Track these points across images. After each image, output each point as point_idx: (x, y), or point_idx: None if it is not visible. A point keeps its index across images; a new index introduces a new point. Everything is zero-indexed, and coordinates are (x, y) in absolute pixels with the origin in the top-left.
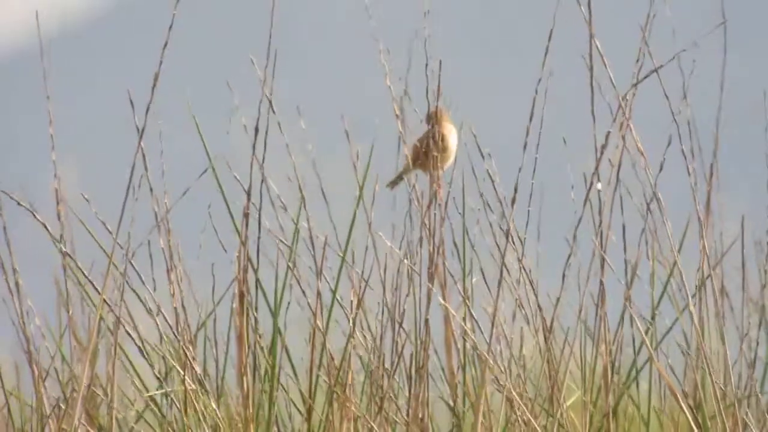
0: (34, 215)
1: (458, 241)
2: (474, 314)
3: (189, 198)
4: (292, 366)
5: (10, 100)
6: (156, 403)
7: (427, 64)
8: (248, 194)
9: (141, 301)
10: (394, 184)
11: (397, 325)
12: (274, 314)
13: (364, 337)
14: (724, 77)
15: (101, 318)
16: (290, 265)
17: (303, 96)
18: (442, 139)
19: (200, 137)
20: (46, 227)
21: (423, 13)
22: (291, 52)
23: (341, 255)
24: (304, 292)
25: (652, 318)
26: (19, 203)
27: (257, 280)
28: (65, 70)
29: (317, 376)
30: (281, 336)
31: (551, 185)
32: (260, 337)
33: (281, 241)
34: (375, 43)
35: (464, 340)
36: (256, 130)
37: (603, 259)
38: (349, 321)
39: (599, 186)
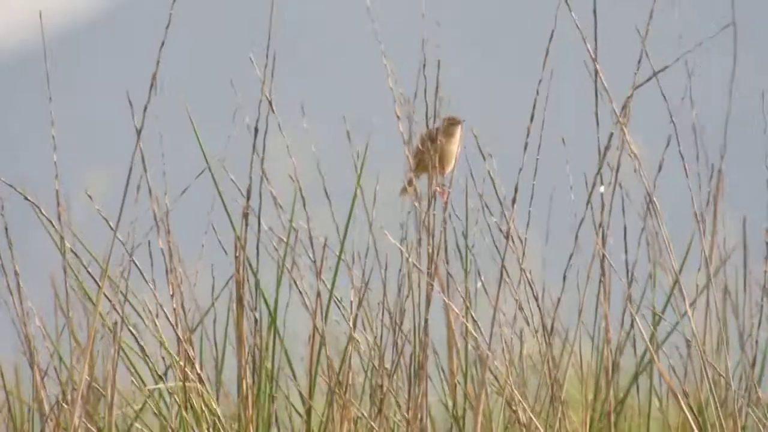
0: (40, 210)
1: (460, 241)
2: (474, 315)
3: (189, 199)
4: (291, 367)
5: (11, 101)
6: (155, 403)
7: (425, 65)
8: (247, 194)
9: (131, 311)
10: (404, 191)
11: (396, 326)
12: (273, 315)
13: (366, 339)
14: (733, 80)
15: (100, 318)
16: (287, 267)
17: (307, 96)
18: (446, 140)
19: (197, 138)
20: (52, 223)
21: (422, 15)
22: (294, 52)
23: (338, 255)
24: (302, 292)
25: (654, 319)
26: (26, 198)
27: (257, 281)
28: (66, 71)
29: (316, 376)
30: (279, 337)
31: (552, 186)
32: (260, 338)
33: (282, 240)
34: (378, 44)
35: (465, 340)
36: (256, 130)
37: (603, 260)
38: (348, 322)
39: (602, 189)
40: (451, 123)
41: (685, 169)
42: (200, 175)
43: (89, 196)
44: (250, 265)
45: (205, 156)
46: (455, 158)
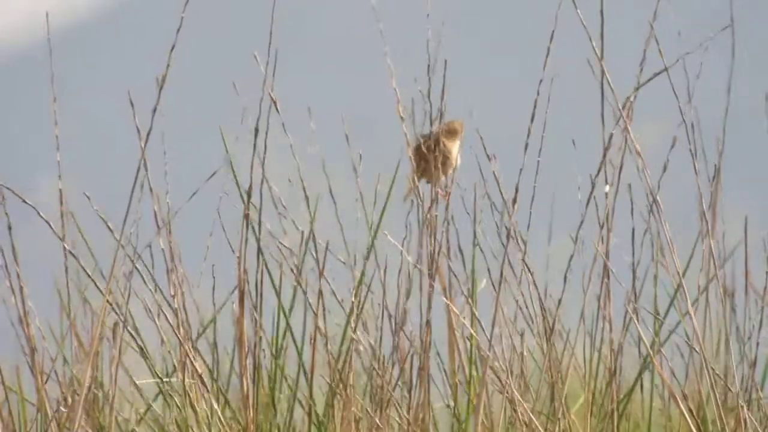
0: (38, 212)
1: (462, 242)
2: (477, 314)
3: (192, 199)
4: (303, 368)
5: (12, 101)
6: (156, 405)
7: (429, 65)
8: (248, 195)
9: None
10: (408, 194)
11: (397, 327)
12: (280, 316)
13: (368, 340)
14: (732, 80)
15: (103, 321)
16: (294, 270)
17: (313, 97)
18: (448, 143)
19: (222, 140)
20: (49, 224)
21: (426, 15)
22: (299, 52)
23: (360, 276)
24: (305, 292)
25: (656, 320)
26: (24, 200)
27: (258, 283)
28: (67, 70)
29: (321, 377)
30: (291, 332)
31: (555, 186)
32: (260, 339)
33: (283, 245)
34: (382, 44)
35: (466, 340)
36: (256, 130)
37: (606, 261)
38: (349, 322)
39: (607, 188)
40: (453, 126)
41: (695, 168)
42: (202, 175)
43: (87, 197)
44: (265, 262)
45: (228, 153)
46: (456, 161)
